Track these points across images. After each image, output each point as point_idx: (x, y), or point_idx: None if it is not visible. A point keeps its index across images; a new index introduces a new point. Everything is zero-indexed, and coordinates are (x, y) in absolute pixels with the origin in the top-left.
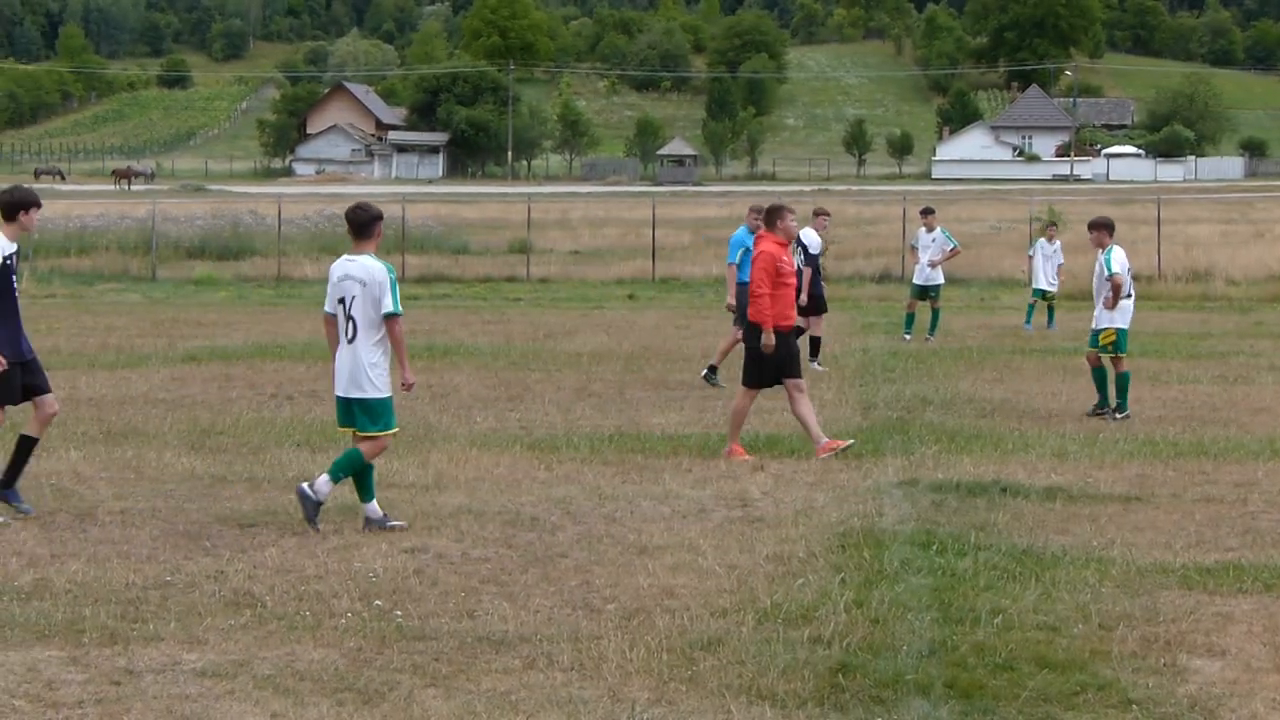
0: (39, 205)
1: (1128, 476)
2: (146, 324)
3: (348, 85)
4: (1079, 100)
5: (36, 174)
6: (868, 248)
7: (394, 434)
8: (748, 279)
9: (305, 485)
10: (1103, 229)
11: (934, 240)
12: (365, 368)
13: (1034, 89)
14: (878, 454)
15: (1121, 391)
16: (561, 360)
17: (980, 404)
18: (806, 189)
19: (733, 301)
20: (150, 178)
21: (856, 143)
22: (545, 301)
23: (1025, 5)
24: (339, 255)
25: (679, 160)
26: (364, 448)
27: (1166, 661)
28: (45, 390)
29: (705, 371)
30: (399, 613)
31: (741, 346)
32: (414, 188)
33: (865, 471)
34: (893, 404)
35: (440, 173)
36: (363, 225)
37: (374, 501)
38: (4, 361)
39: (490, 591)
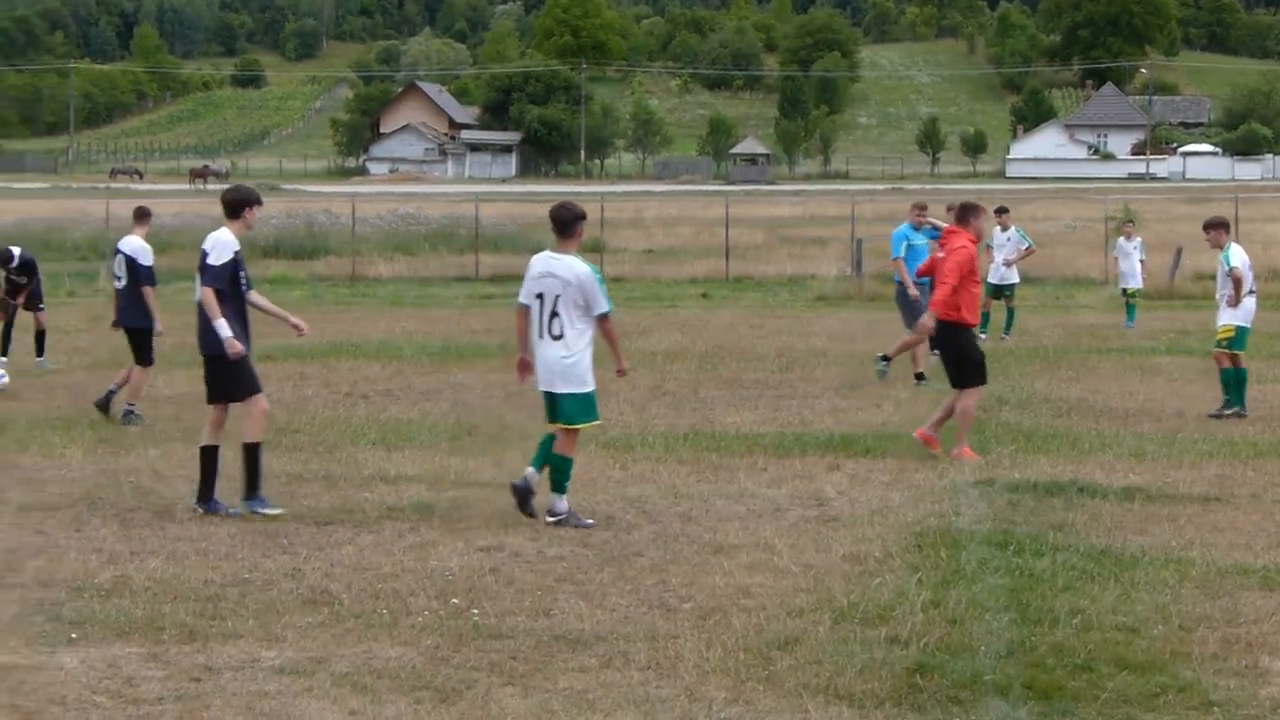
0: (261, 203)
1: (1207, 477)
2: None
3: (420, 85)
4: (1154, 98)
5: (113, 174)
6: None
7: (597, 425)
8: (914, 273)
9: (549, 518)
10: (1219, 228)
11: (1009, 239)
12: (571, 364)
13: (1108, 87)
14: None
15: (1237, 388)
16: (636, 359)
17: (1056, 403)
18: (880, 187)
19: (915, 293)
20: (225, 177)
21: (930, 141)
22: (619, 300)
23: (1099, 3)
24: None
25: (752, 159)
26: (564, 444)
27: (1248, 663)
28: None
29: (879, 362)
30: (475, 611)
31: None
32: (487, 187)
33: (941, 471)
34: None
35: (513, 172)
36: (566, 224)
37: (564, 497)
38: (241, 348)
39: (566, 590)
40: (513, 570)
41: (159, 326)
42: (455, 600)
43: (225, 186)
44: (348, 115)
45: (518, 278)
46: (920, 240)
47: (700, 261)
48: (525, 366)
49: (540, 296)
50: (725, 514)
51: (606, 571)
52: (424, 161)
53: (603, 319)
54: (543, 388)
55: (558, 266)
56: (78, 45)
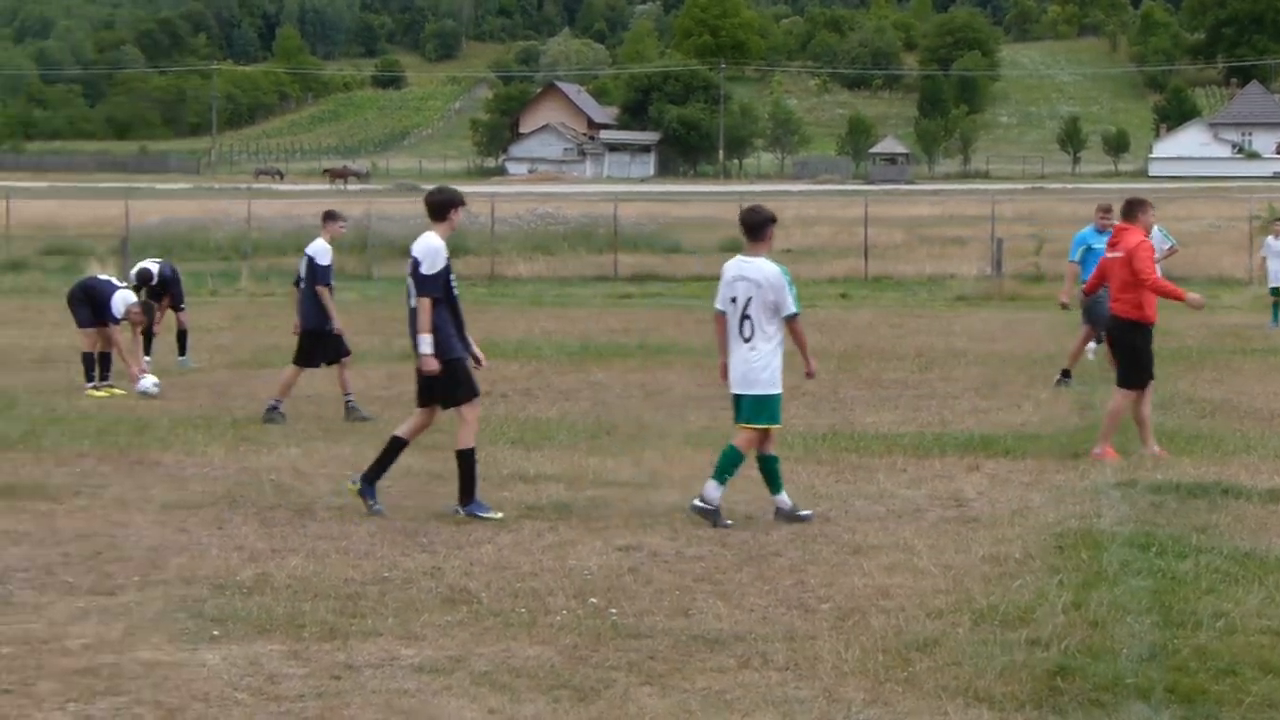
0: (464, 203)
1: None
2: (362, 322)
3: (559, 85)
4: None
5: (257, 174)
6: None
7: (778, 429)
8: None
9: (696, 500)
10: None
11: (1152, 238)
12: (760, 365)
13: (1254, 85)
14: None
15: None
16: None
17: (1200, 404)
18: (1020, 187)
19: (1066, 300)
20: (365, 177)
21: (1071, 140)
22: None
23: (1244, 0)
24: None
25: (891, 158)
26: (740, 439)
27: None
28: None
29: (1059, 377)
30: (614, 610)
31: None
32: (625, 187)
33: (1083, 472)
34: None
35: (652, 171)
36: (756, 227)
37: (784, 492)
38: (435, 365)
39: (705, 590)
40: (651, 570)
41: (336, 326)
42: (594, 599)
43: (364, 187)
44: (487, 115)
45: (656, 277)
46: (1101, 244)
47: (839, 261)
48: (726, 370)
49: (734, 300)
50: (864, 514)
51: (745, 571)
52: (563, 161)
53: (791, 320)
54: (733, 390)
55: (749, 269)
56: (220, 47)
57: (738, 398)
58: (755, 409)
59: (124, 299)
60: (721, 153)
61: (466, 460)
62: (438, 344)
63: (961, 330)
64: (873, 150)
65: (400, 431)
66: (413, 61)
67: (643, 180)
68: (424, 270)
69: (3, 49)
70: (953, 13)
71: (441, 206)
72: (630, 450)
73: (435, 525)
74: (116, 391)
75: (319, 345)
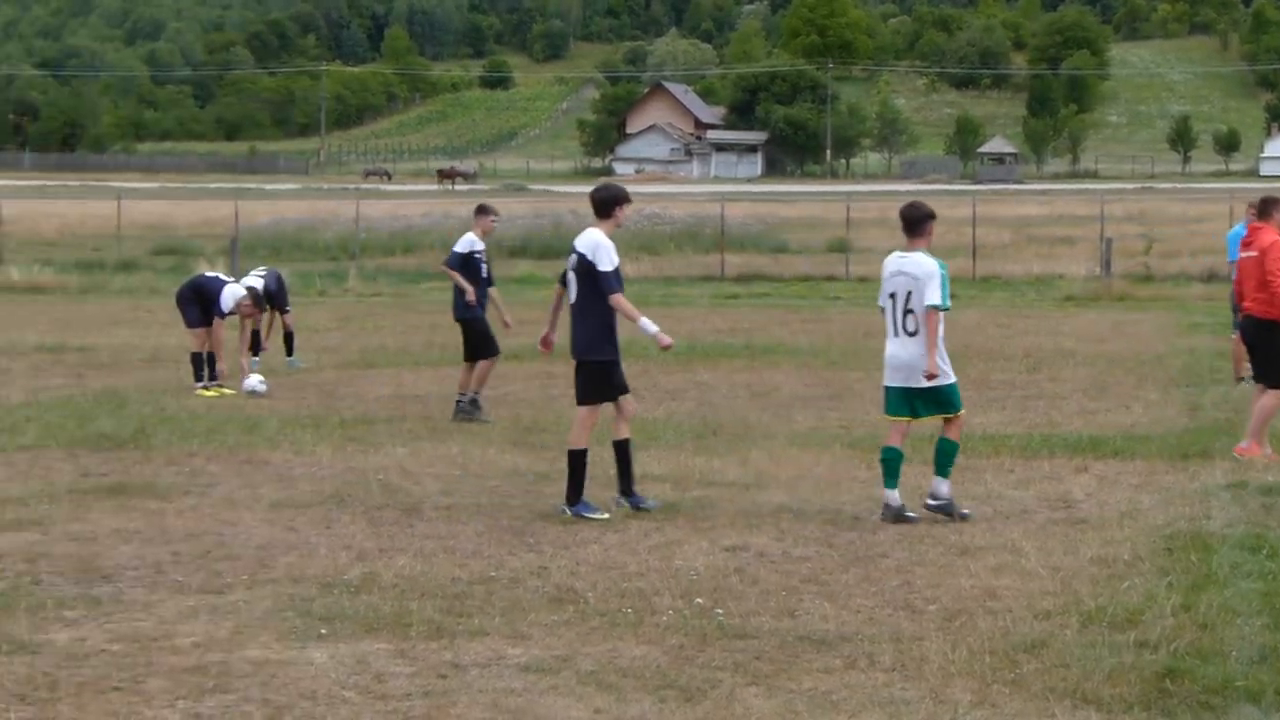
0: (630, 200)
1: None
2: None
3: (667, 85)
4: None
5: (366, 174)
6: (1193, 246)
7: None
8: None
9: (930, 501)
10: None
11: None
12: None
13: None
14: (1205, 456)
15: None
16: (880, 359)
17: None
18: (1130, 187)
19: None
20: (473, 178)
21: (1181, 140)
22: (864, 300)
23: None
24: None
25: (999, 158)
26: (951, 430)
27: None
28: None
29: (1238, 380)
30: (720, 610)
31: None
32: (732, 186)
33: (1192, 474)
34: (1220, 405)
35: (758, 171)
36: (915, 222)
37: (897, 490)
38: (668, 340)
39: (811, 590)
40: (758, 570)
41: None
42: (700, 600)
43: (474, 187)
44: (594, 116)
45: (762, 277)
46: None
47: (946, 261)
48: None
49: (893, 296)
50: (972, 515)
51: (852, 572)
52: (669, 161)
53: (931, 312)
54: (896, 383)
55: (907, 264)
56: (329, 48)
57: (904, 392)
58: (944, 401)
59: (233, 293)
60: (829, 152)
61: (577, 461)
62: (590, 343)
63: (1070, 331)
64: (980, 150)
65: (616, 436)
66: (520, 62)
67: (749, 180)
68: (602, 267)
69: (114, 51)
70: (1062, 11)
71: (608, 203)
72: (736, 450)
73: (542, 525)
74: (226, 391)
75: (486, 334)
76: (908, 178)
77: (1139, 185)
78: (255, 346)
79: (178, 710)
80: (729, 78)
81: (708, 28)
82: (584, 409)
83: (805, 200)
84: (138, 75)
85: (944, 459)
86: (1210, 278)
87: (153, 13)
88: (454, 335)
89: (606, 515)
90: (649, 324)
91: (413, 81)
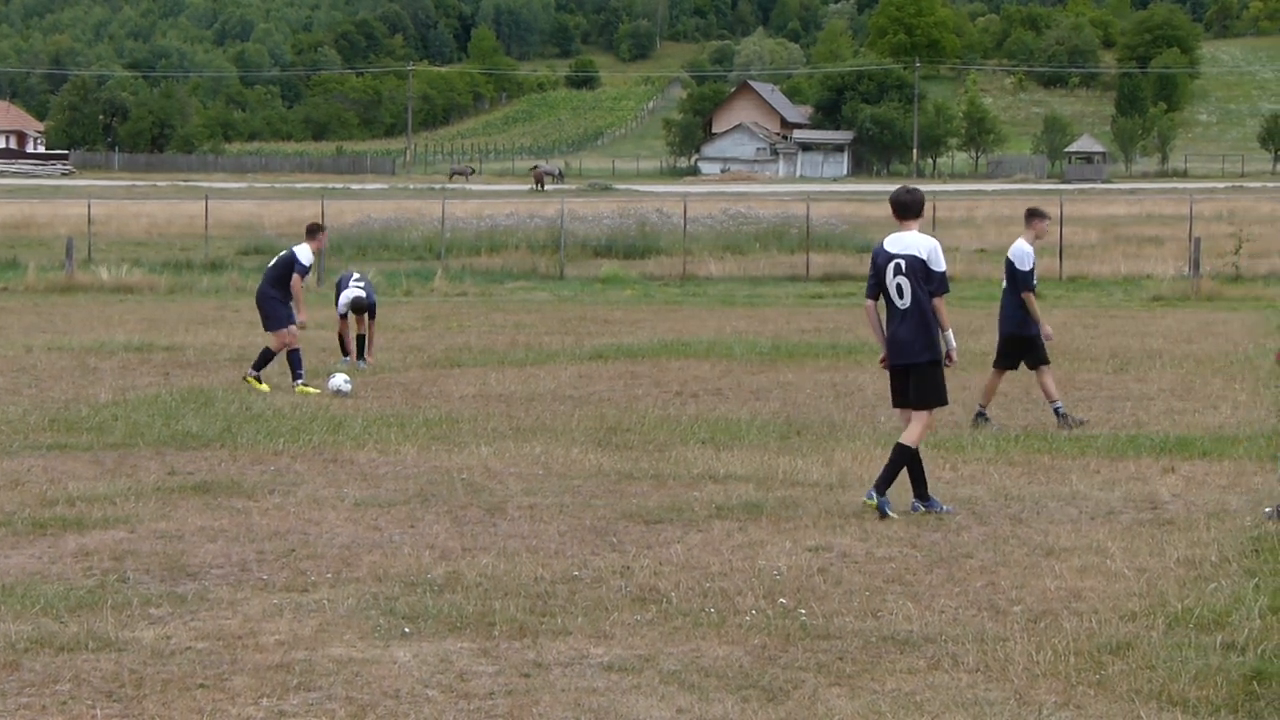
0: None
1: None
2: (554, 321)
3: (753, 84)
4: None
5: (452, 174)
6: None
7: None
8: None
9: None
10: None
11: None
12: None
13: None
14: None
15: None
16: (967, 359)
17: None
18: (1219, 186)
19: None
20: (559, 177)
21: (1272, 138)
22: (951, 300)
23: None
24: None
25: (1087, 157)
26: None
27: None
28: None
29: None
30: (803, 611)
31: None
32: (818, 186)
33: None
34: None
35: (845, 171)
36: (919, 206)
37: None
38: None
39: (895, 591)
40: (841, 570)
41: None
42: (783, 600)
43: (564, 186)
44: (680, 115)
45: (848, 277)
46: None
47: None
48: None
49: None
50: (1057, 516)
51: (935, 573)
52: (755, 161)
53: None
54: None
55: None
56: (416, 48)
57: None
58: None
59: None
60: (915, 152)
61: (905, 455)
62: (924, 344)
63: (1157, 331)
64: (1069, 149)
65: (905, 440)
66: (607, 61)
67: (835, 180)
68: (937, 268)
69: (203, 51)
70: (1152, 9)
71: (918, 206)
72: (821, 450)
73: (625, 525)
74: (310, 390)
75: (1019, 349)
76: (994, 176)
77: (1229, 184)
78: (360, 350)
79: (262, 708)
80: (815, 77)
81: (794, 27)
82: (931, 414)
83: None
84: (226, 76)
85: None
86: None
87: (242, 13)
88: (536, 335)
89: (949, 509)
90: (951, 337)
91: (499, 81)
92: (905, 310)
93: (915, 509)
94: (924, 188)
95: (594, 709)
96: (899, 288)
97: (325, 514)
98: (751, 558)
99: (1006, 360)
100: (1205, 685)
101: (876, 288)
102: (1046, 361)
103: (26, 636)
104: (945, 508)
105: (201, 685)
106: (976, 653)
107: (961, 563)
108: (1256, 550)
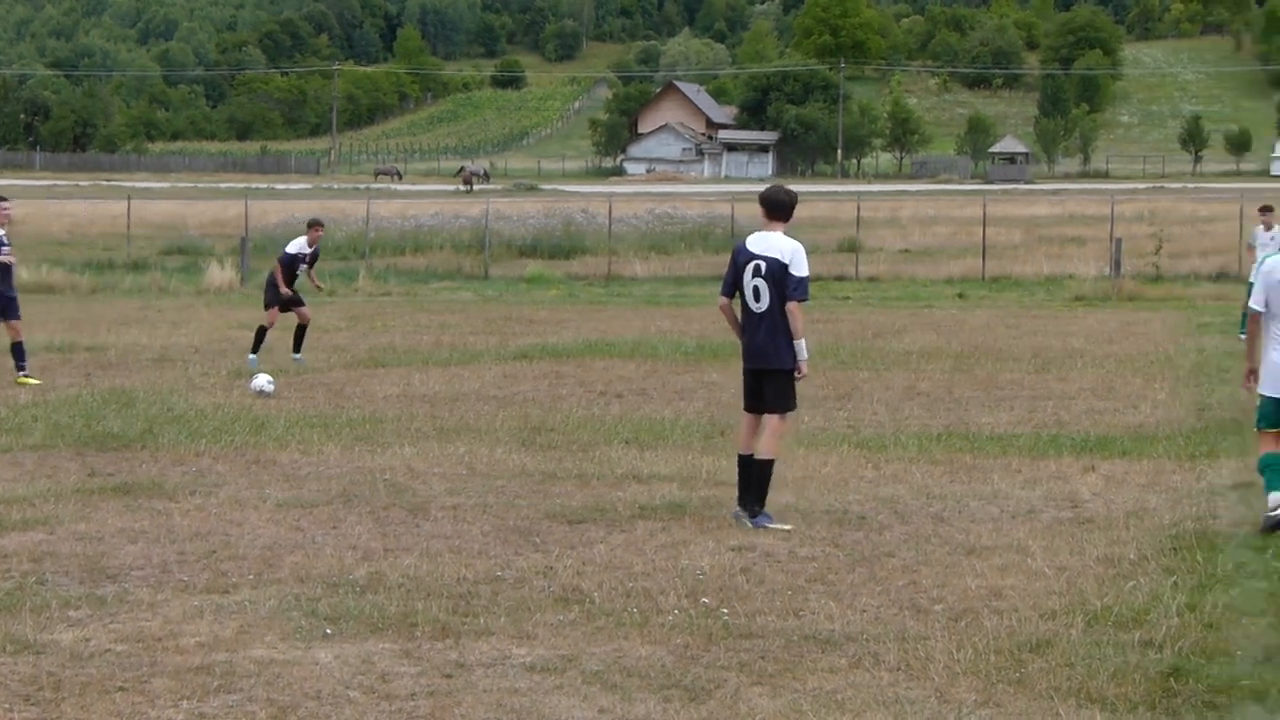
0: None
1: None
2: (479, 321)
3: (679, 85)
4: None
5: (377, 174)
6: (1203, 246)
7: None
8: None
9: (1267, 513)
10: None
11: (1273, 238)
12: None
13: None
14: (1212, 456)
15: None
16: (890, 359)
17: None
18: (1141, 187)
19: None
20: (485, 178)
21: (1193, 140)
22: (874, 300)
23: None
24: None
25: (1010, 158)
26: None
27: None
28: None
29: None
30: (726, 610)
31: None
32: (744, 186)
33: (1199, 473)
34: (1228, 405)
35: (770, 171)
36: (790, 207)
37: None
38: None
39: (817, 590)
40: (764, 570)
41: None
42: (706, 599)
43: (489, 187)
44: (606, 115)
45: None
46: None
47: (957, 261)
48: (1253, 375)
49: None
50: (978, 515)
51: (857, 572)
52: (681, 161)
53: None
54: (1269, 392)
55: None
56: (342, 47)
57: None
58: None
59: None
60: (840, 152)
61: (769, 469)
62: (781, 350)
63: (1079, 331)
64: (992, 150)
65: (762, 454)
66: (533, 62)
67: (761, 180)
68: (795, 271)
69: (127, 50)
70: (1075, 11)
71: (791, 207)
72: None
73: (549, 525)
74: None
75: None
76: (918, 177)
77: (1150, 185)
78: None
79: (182, 710)
80: (741, 77)
81: (720, 28)
82: (785, 418)
83: (815, 199)
84: (150, 75)
85: (1275, 474)
86: (1219, 277)
87: (165, 12)
88: (461, 335)
89: (789, 527)
90: (804, 347)
91: (425, 81)
92: (761, 314)
93: (736, 517)
94: (849, 188)
95: (516, 709)
96: (756, 290)
97: (247, 515)
98: (675, 557)
99: None
100: (1123, 683)
101: (733, 286)
102: None
103: None
104: (783, 525)
105: (121, 688)
106: (898, 651)
107: (883, 562)
108: (1175, 549)
